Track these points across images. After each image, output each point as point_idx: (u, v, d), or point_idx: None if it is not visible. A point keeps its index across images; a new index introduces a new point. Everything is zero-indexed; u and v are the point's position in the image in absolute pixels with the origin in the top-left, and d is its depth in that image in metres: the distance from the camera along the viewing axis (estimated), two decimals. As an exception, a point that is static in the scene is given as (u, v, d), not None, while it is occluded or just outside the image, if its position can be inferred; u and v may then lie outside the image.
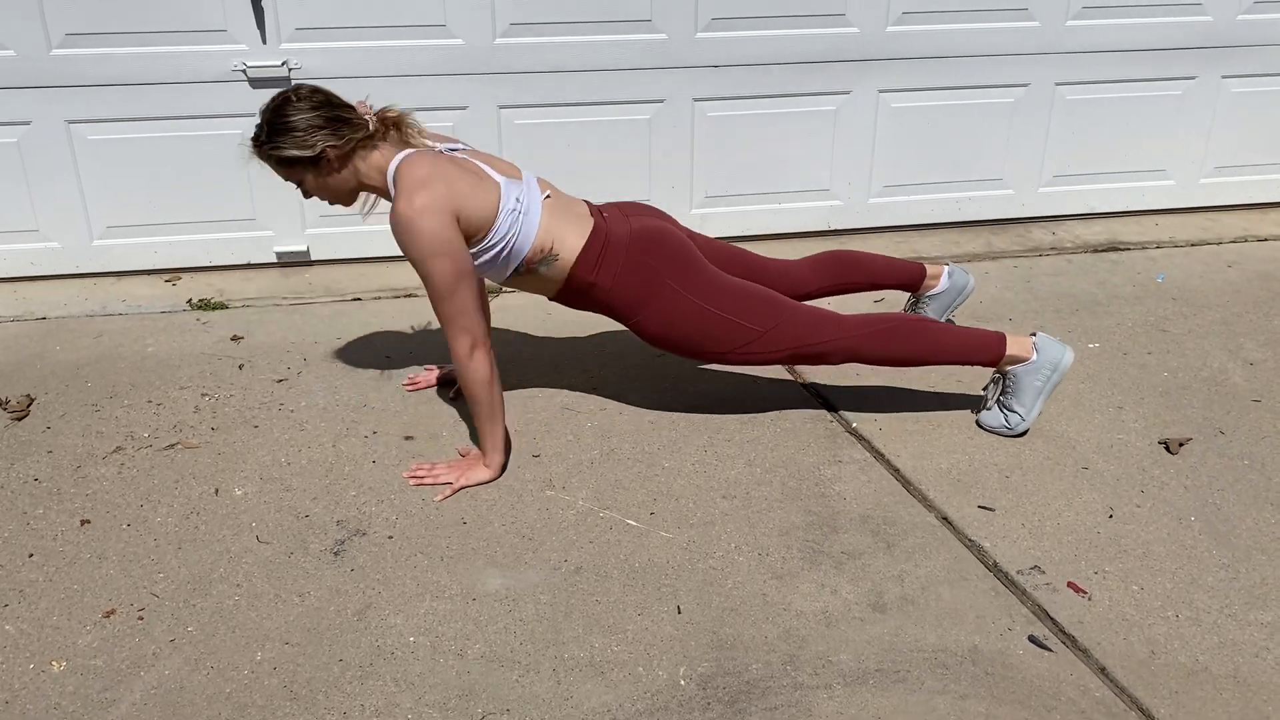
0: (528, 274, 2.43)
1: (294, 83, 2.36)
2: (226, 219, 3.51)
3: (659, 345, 2.52)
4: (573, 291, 2.47)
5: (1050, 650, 1.94)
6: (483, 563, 2.16)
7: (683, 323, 2.45)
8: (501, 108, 3.51)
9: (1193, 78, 3.95)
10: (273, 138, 2.28)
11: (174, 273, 3.54)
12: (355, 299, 3.41)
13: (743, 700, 1.81)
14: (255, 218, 3.53)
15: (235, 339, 3.10)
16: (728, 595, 2.06)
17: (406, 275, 3.56)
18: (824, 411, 2.74)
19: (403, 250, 2.27)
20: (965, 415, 2.71)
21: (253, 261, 3.59)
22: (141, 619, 1.99)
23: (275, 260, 3.59)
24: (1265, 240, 3.97)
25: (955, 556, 2.19)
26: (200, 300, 3.34)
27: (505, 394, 2.77)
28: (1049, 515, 2.32)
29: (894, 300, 3.30)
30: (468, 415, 2.69)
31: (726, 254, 2.71)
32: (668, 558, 2.17)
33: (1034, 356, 2.54)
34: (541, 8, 3.40)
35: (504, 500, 2.36)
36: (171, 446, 2.56)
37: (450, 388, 2.81)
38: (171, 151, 3.39)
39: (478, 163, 2.39)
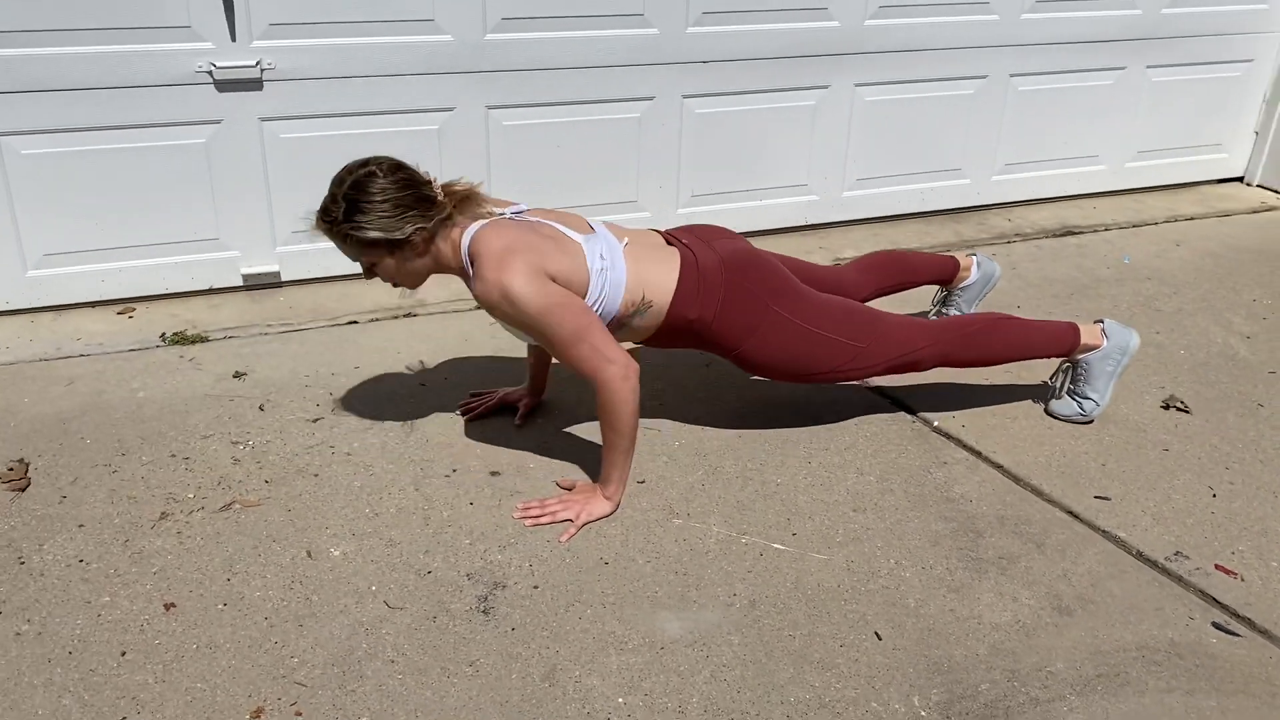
0: (617, 330, 2.27)
1: (372, 156, 2.12)
2: (186, 240, 3.11)
3: (762, 373, 2.42)
4: (671, 332, 2.34)
5: (1238, 635, 1.97)
6: (649, 605, 1.99)
7: (790, 347, 2.36)
8: (490, 108, 3.27)
9: (1123, 68, 4.18)
10: (353, 217, 2.06)
11: (126, 303, 3.10)
12: (351, 322, 3.09)
13: (996, 725, 1.75)
14: (219, 237, 3.14)
15: (238, 375, 2.75)
16: (916, 615, 1.99)
17: (396, 293, 3.26)
18: (901, 413, 2.70)
19: (508, 321, 2.10)
20: (1029, 405, 2.74)
21: (215, 286, 3.20)
22: (299, 714, 1.71)
23: (241, 283, 3.21)
24: (1192, 219, 4.25)
25: (1102, 550, 2.20)
26: (175, 334, 2.94)
27: (567, 414, 2.60)
28: (1159, 499, 2.38)
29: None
30: (551, 443, 2.49)
31: (792, 267, 2.63)
32: (836, 581, 2.07)
33: (1105, 343, 2.60)
34: (535, 0, 3.19)
35: (634, 534, 2.19)
36: (228, 507, 2.23)
37: (514, 413, 2.59)
38: (123, 166, 2.96)
39: (552, 224, 2.22)
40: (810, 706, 1.77)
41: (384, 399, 2.66)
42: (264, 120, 3.04)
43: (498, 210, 2.24)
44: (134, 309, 3.09)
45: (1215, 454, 2.56)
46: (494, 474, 2.37)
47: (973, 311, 3.03)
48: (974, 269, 2.99)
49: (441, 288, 3.34)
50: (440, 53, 3.15)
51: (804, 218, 3.89)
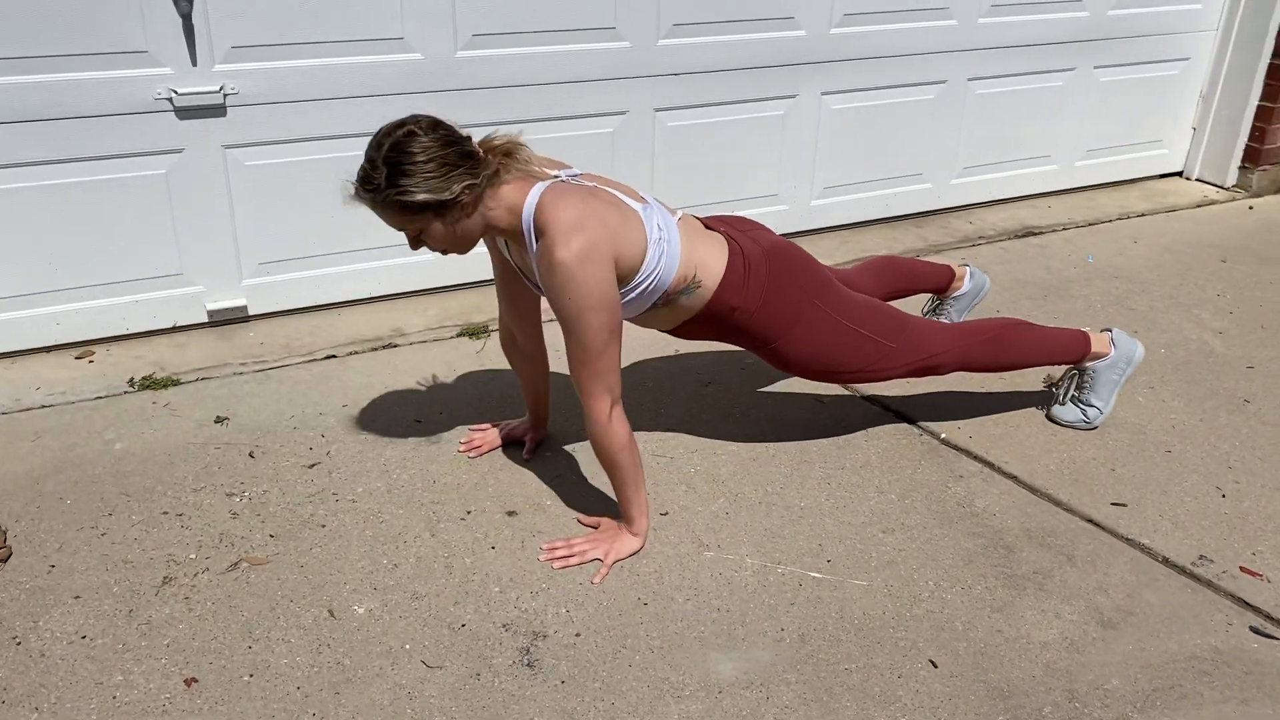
0: (663, 306, 2.20)
1: (408, 115, 1.99)
2: (147, 276, 2.93)
3: (791, 368, 2.37)
4: (709, 318, 2.26)
5: (1276, 639, 2.00)
6: (697, 646, 1.93)
7: (826, 343, 2.31)
8: (462, 127, 3.15)
9: (1072, 69, 4.26)
10: (398, 180, 1.90)
11: (85, 347, 2.91)
12: (329, 356, 2.95)
13: (1067, 750, 1.73)
14: (182, 272, 2.97)
15: (219, 421, 2.60)
16: (966, 638, 1.97)
17: (371, 323, 3.15)
18: (904, 424, 2.69)
19: (554, 300, 1.97)
20: (1029, 413, 2.75)
21: (179, 324, 3.02)
22: (354, 794, 1.61)
23: (207, 320, 3.05)
24: (1143, 216, 4.34)
25: (1131, 559, 2.21)
26: (144, 378, 2.76)
27: (576, 446, 2.52)
28: (1173, 503, 2.40)
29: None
30: (564, 477, 2.41)
31: None
32: (881, 607, 2.04)
33: (1112, 352, 2.62)
34: (506, 16, 3.10)
35: (668, 570, 2.13)
36: (235, 566, 2.09)
37: (520, 447, 2.50)
38: (78, 200, 2.78)
39: (612, 191, 2.12)
40: (881, 744, 1.74)
41: (380, 438, 2.54)
42: (227, 148, 2.89)
43: (551, 171, 2.11)
44: (93, 352, 2.91)
45: (1215, 453, 2.60)
46: (511, 514, 2.28)
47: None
48: (967, 279, 2.99)
49: (418, 315, 3.22)
50: (410, 72, 3.03)
51: (775, 228, 3.84)
